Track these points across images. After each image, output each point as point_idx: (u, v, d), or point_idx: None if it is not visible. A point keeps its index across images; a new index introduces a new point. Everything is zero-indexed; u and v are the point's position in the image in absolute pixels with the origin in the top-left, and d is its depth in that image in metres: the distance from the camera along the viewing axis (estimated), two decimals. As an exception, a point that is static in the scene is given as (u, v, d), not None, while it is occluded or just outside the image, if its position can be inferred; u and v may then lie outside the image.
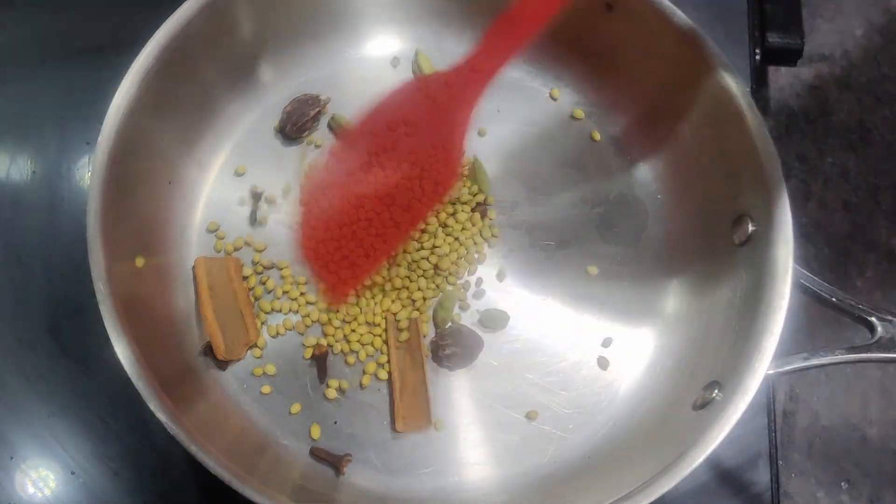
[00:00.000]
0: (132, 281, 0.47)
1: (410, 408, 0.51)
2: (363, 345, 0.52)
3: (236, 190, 0.55)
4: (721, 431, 0.44)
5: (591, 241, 0.56)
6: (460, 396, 0.52)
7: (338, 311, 0.52)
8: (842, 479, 0.58)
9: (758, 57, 0.61)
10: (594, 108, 0.58)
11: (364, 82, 0.57)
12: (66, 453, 0.51)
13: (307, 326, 0.53)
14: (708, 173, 0.53)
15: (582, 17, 0.54)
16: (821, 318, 0.59)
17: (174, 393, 0.44)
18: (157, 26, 0.49)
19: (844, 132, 0.65)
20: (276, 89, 0.56)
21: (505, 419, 0.52)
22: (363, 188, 0.52)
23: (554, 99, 0.58)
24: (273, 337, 0.52)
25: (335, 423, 0.51)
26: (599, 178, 0.57)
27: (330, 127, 0.57)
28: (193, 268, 0.52)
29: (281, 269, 0.54)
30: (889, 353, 0.46)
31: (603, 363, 0.53)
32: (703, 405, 0.47)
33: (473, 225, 0.55)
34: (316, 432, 0.50)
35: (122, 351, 0.44)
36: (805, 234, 0.63)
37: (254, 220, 0.54)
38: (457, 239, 0.54)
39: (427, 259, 0.53)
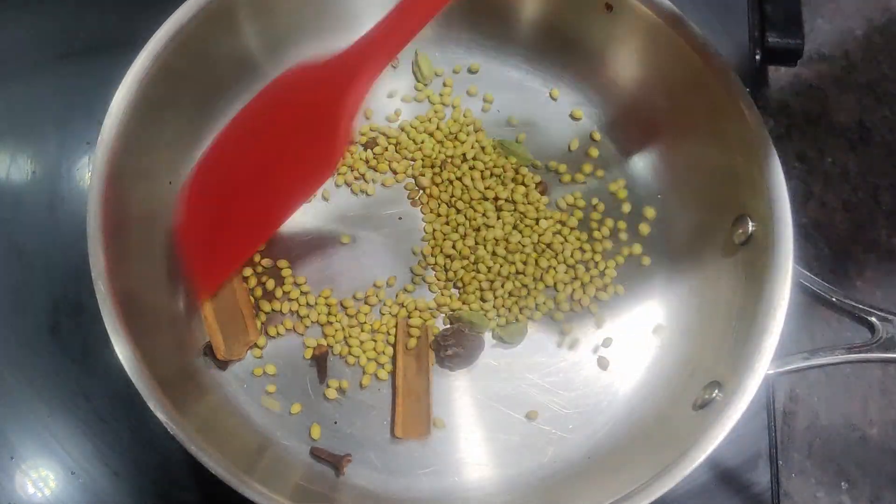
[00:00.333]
0: (132, 281, 0.47)
1: (411, 415, 0.51)
2: (364, 350, 0.52)
3: (236, 190, 0.55)
4: (721, 431, 0.44)
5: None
6: (460, 396, 0.52)
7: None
8: (842, 479, 0.58)
9: (758, 57, 0.61)
10: (594, 108, 0.58)
11: (364, 82, 0.57)
12: (66, 453, 0.51)
13: (307, 327, 0.53)
14: (708, 173, 0.53)
15: (582, 17, 0.54)
16: (821, 318, 0.59)
17: (174, 393, 0.44)
18: (157, 26, 0.49)
19: (844, 132, 0.65)
20: (276, 89, 0.56)
21: (505, 419, 0.52)
22: (237, 173, 0.50)
23: (554, 99, 0.58)
24: (273, 337, 0.53)
25: (335, 423, 0.51)
26: (599, 178, 0.57)
27: (330, 127, 0.57)
28: None
29: (281, 269, 0.54)
30: (889, 353, 0.46)
31: (603, 363, 0.53)
32: (703, 405, 0.47)
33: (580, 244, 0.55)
34: (316, 432, 0.50)
35: (122, 351, 0.44)
36: (805, 234, 0.63)
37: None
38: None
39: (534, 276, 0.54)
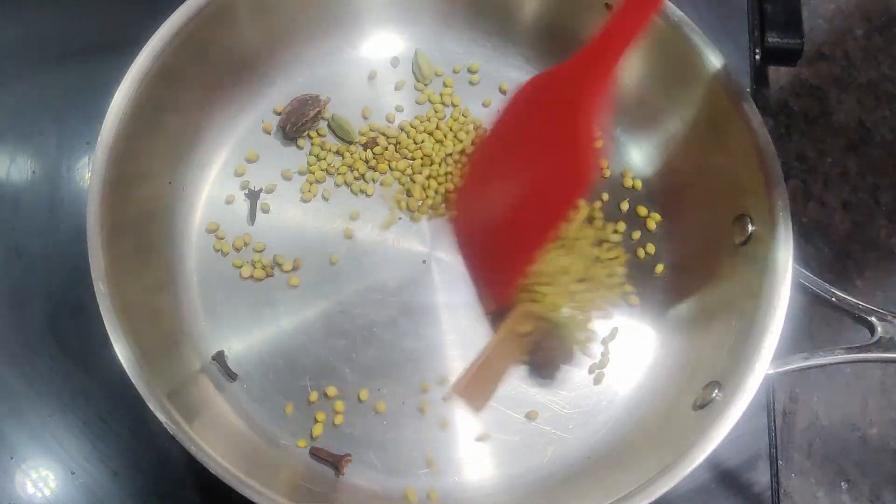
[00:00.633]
0: (132, 281, 0.47)
1: (477, 383, 0.51)
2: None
3: (236, 190, 0.55)
4: (721, 431, 0.44)
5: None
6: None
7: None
8: (842, 479, 0.58)
9: (758, 57, 0.61)
10: (594, 108, 0.58)
11: (364, 82, 0.57)
12: (66, 453, 0.51)
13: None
14: (708, 173, 0.53)
15: (582, 16, 0.54)
16: (821, 318, 0.59)
17: (174, 393, 0.44)
18: (157, 26, 0.49)
19: (844, 132, 0.65)
20: (276, 89, 0.56)
21: (505, 419, 0.52)
22: (500, 187, 0.52)
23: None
24: (273, 337, 0.52)
25: (335, 423, 0.51)
26: (599, 178, 0.57)
27: (330, 127, 0.57)
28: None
29: (282, 266, 0.54)
30: (889, 353, 0.46)
31: (603, 363, 0.53)
32: (703, 405, 0.47)
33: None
34: (316, 432, 0.50)
35: (122, 351, 0.44)
36: (805, 234, 0.63)
37: (253, 218, 0.54)
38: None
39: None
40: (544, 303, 0.50)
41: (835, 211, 0.63)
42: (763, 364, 0.45)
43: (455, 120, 0.57)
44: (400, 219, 0.55)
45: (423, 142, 0.56)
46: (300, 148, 0.56)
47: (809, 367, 0.47)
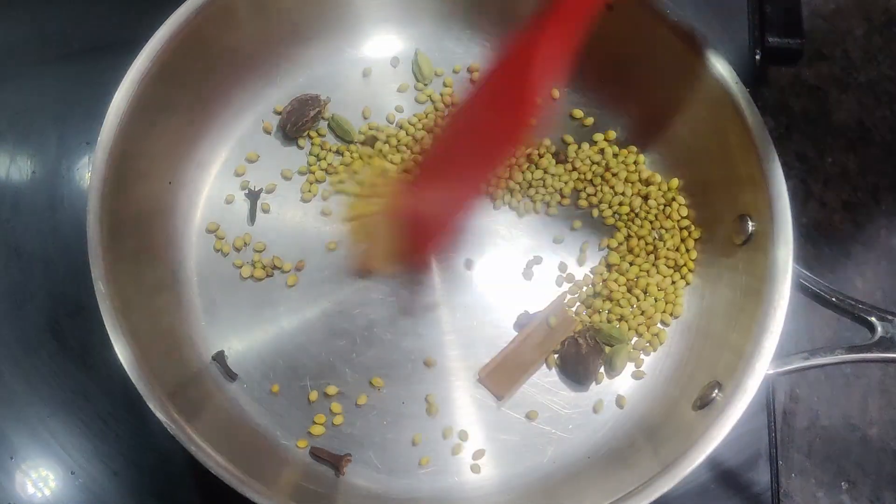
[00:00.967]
0: (132, 281, 0.47)
1: (504, 371, 0.51)
2: None
3: (236, 190, 0.55)
4: (721, 431, 0.44)
5: (590, 240, 0.56)
6: (461, 396, 0.52)
7: None
8: (842, 479, 0.58)
9: (758, 57, 0.61)
10: (595, 108, 0.58)
11: (364, 82, 0.57)
12: (66, 453, 0.51)
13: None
14: (708, 173, 0.53)
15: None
16: (821, 318, 0.59)
17: (174, 393, 0.44)
18: (157, 26, 0.49)
19: (844, 132, 0.65)
20: (276, 89, 0.56)
21: (505, 419, 0.52)
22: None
23: (554, 99, 0.58)
24: (273, 337, 0.53)
25: (335, 423, 0.51)
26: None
27: (330, 127, 0.57)
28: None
29: (282, 266, 0.54)
30: (889, 353, 0.46)
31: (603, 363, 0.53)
32: (703, 405, 0.47)
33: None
34: (316, 432, 0.50)
35: (122, 351, 0.44)
36: (805, 234, 0.63)
37: (253, 218, 0.54)
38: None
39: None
40: (613, 326, 0.52)
41: (835, 211, 0.63)
42: (763, 364, 0.45)
43: (455, 120, 0.57)
44: (400, 219, 0.55)
45: (422, 139, 0.56)
46: (300, 148, 0.56)
47: (809, 367, 0.47)
